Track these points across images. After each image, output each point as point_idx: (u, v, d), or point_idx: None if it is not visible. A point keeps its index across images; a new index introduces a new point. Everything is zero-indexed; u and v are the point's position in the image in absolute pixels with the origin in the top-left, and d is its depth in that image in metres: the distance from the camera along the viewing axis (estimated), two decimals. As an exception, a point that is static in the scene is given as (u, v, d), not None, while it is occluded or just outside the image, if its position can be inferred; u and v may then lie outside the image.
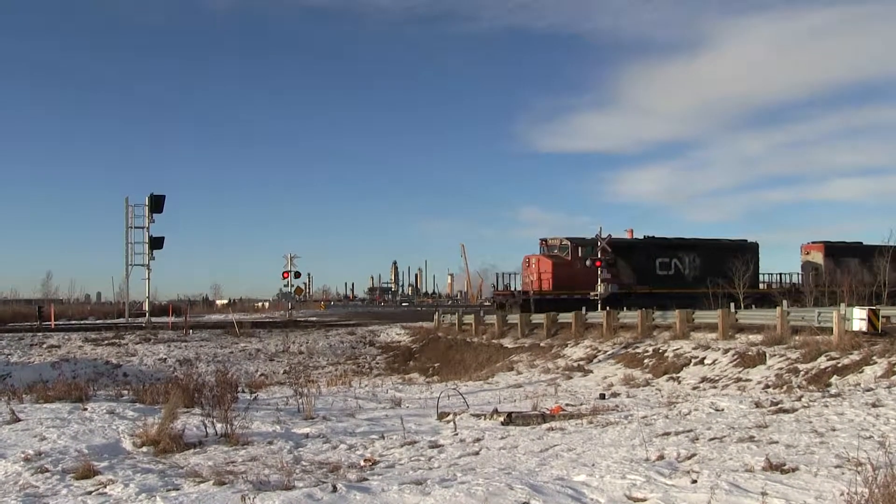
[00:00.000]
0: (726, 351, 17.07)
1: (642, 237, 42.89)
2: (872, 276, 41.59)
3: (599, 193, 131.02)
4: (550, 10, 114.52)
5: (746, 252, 43.38)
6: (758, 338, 17.36)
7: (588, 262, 35.49)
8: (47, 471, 7.93)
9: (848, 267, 43.29)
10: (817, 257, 45.52)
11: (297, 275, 42.26)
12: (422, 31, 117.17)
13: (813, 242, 46.45)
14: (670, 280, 41.20)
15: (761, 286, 44.32)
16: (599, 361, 20.02)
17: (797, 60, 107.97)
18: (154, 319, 36.70)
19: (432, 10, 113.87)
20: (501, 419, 11.70)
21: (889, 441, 7.06)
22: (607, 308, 25.93)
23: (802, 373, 14.06)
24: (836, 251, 45.30)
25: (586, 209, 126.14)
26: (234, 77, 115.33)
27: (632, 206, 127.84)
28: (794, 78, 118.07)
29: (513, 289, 39.28)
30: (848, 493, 4.87)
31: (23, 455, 8.60)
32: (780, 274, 46.59)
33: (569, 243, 39.34)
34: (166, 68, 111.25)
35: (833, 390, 11.63)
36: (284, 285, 43.94)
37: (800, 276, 46.23)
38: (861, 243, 47.03)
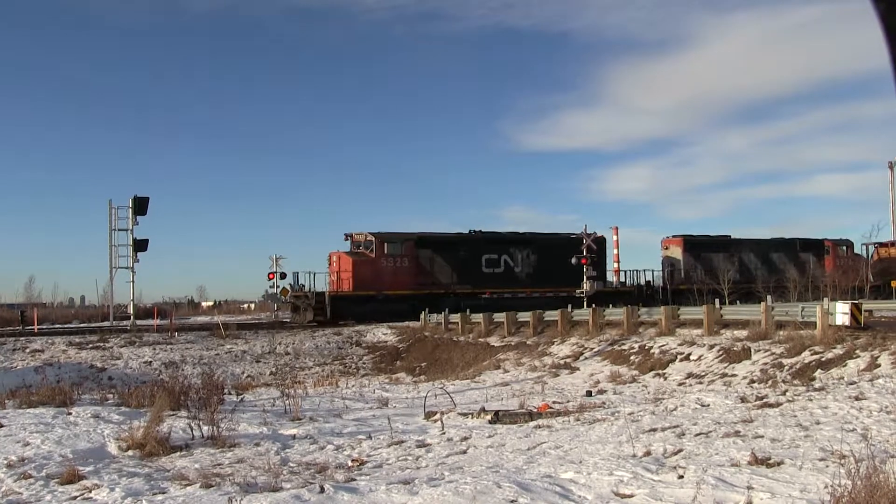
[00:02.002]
0: (711, 347, 17.17)
1: (468, 231, 39.48)
2: (739, 271, 41.36)
3: (586, 191, 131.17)
4: (536, 8, 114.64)
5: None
6: (743, 333, 17.46)
7: (573, 261, 34.77)
8: (31, 477, 7.86)
9: (710, 262, 41.93)
10: (676, 252, 43.42)
11: (283, 276, 42.01)
12: (408, 30, 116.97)
13: (673, 236, 44.30)
14: (499, 279, 38.12)
15: (615, 284, 42.14)
16: (586, 359, 20.07)
17: (781, 57, 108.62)
18: (139, 322, 36.48)
19: (419, 9, 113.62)
20: (489, 418, 11.71)
21: (871, 433, 7.12)
22: (593, 305, 25.93)
23: (787, 367, 14.16)
24: (697, 246, 43.37)
25: (572, 207, 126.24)
26: (217, 77, 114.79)
27: (618, 203, 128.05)
28: (778, 75, 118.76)
29: (309, 289, 35.86)
30: (832, 486, 4.91)
31: (5, 461, 8.52)
32: (636, 270, 44.47)
33: (373, 239, 36.14)
34: (148, 69, 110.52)
35: (817, 384, 11.71)
36: (270, 286, 43.68)
37: (655, 273, 44.36)
38: (729, 237, 45.34)
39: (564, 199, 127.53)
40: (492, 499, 5.85)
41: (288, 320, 37.86)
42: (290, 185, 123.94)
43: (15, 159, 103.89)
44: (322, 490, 6.57)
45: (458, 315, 30.64)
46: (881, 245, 45.15)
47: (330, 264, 36.83)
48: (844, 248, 45.68)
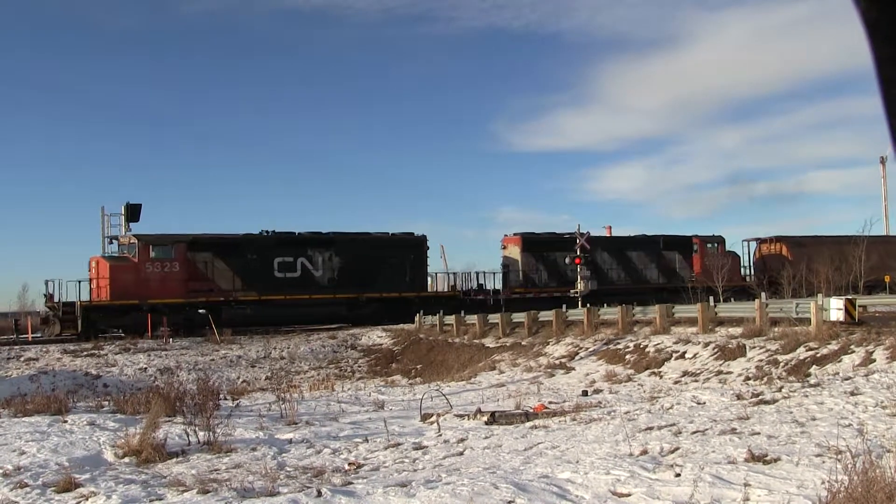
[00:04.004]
0: (707, 344, 17.19)
1: (259, 232, 35.49)
2: (591, 271, 38.37)
3: (578, 191, 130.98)
4: (527, 9, 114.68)
5: (408, 248, 37.04)
6: (737, 330, 17.49)
7: (567, 261, 34.50)
8: (27, 485, 7.83)
9: (555, 263, 39.28)
10: (514, 252, 39.55)
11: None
12: (399, 32, 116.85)
13: (514, 234, 40.33)
14: (295, 284, 34.32)
15: (441, 288, 38.60)
16: (581, 358, 20.08)
17: (772, 54, 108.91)
18: (133, 329, 36.31)
19: (410, 11, 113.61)
20: (485, 419, 11.70)
21: (867, 428, 7.14)
22: (587, 305, 25.94)
23: (782, 364, 14.19)
24: (539, 245, 39.57)
25: (565, 207, 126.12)
26: (209, 80, 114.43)
27: (611, 203, 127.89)
28: (769, 72, 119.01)
29: (57, 299, 31.55)
30: (828, 482, 4.93)
31: (1, 470, 8.49)
32: (474, 272, 40.37)
33: (136, 241, 32.25)
34: (138, 72, 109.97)
35: (812, 380, 11.75)
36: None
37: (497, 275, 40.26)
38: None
39: (558, 200, 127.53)
40: (489, 500, 5.85)
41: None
42: (278, 185, 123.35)
43: (6, 166, 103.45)
44: (319, 494, 6.57)
45: (454, 317, 30.62)
46: (762, 241, 43.69)
47: (90, 270, 32.75)
48: (715, 245, 43.08)
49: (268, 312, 32.54)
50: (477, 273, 39.98)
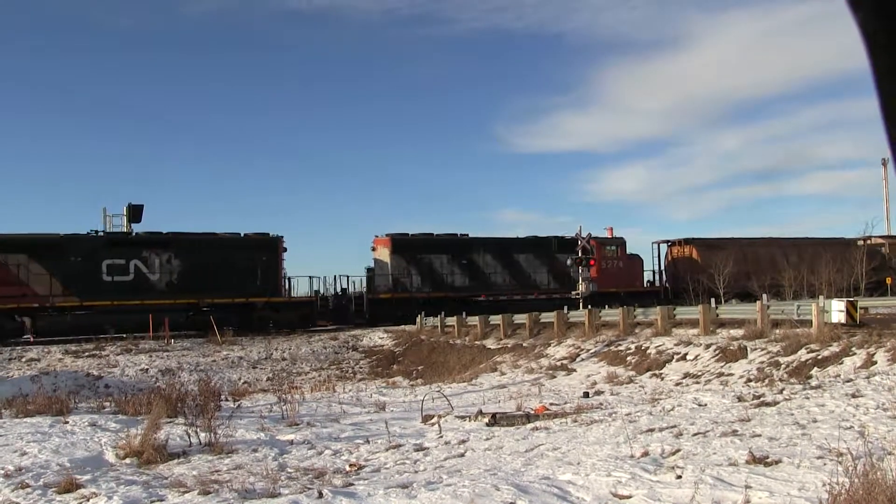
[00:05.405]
0: (708, 346, 17.19)
1: (87, 232, 32.70)
2: (471, 275, 37.70)
3: (580, 193, 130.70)
4: (529, 10, 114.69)
5: (260, 250, 34.64)
6: (739, 332, 17.49)
7: (568, 262, 34.30)
8: (28, 486, 7.83)
9: (430, 266, 37.46)
10: (384, 254, 37.34)
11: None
12: (401, 33, 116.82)
13: (384, 235, 37.92)
14: (128, 289, 31.79)
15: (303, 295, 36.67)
16: (582, 360, 20.08)
17: (774, 55, 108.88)
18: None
19: (411, 12, 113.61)
20: (486, 420, 11.70)
21: (869, 431, 7.14)
22: (589, 306, 25.91)
23: (783, 366, 14.19)
24: (411, 246, 37.44)
25: (567, 209, 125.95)
26: (210, 80, 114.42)
27: (614, 204, 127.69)
28: (771, 73, 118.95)
29: None
30: (830, 484, 4.92)
31: (2, 471, 8.50)
32: (337, 276, 38.67)
33: None
34: (139, 73, 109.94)
35: (814, 382, 11.74)
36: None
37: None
38: (465, 235, 39.38)
39: (560, 201, 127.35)
40: (490, 501, 5.85)
41: None
42: (277, 184, 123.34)
43: (7, 167, 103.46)
44: (320, 495, 6.57)
45: (455, 318, 30.62)
46: (673, 244, 42.08)
47: None
48: (614, 247, 40.76)
49: (93, 320, 30.42)
50: (344, 276, 38.45)
